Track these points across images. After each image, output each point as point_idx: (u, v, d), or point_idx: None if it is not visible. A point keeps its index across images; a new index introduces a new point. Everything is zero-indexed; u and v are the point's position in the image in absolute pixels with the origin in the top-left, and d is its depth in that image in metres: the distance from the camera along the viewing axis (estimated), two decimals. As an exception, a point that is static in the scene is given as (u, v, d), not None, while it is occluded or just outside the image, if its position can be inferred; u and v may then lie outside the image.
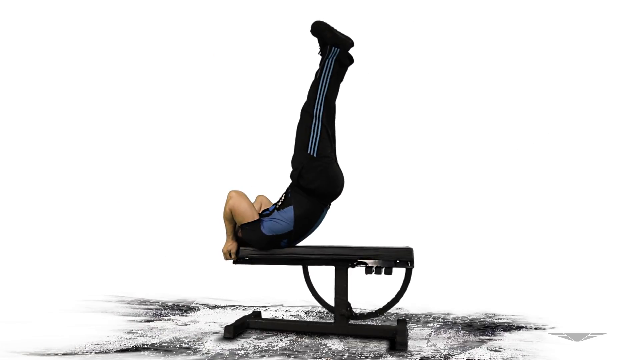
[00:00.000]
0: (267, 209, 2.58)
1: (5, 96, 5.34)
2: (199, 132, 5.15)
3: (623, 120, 4.67)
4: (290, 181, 2.56)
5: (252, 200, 2.66)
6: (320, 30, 2.57)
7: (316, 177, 2.44)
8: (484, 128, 4.83)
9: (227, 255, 2.60)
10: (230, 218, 2.52)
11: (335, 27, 2.58)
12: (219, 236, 2.78)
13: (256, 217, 2.51)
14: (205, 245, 3.36)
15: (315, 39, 2.63)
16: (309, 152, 2.45)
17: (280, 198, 2.57)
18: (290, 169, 2.55)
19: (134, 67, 5.30)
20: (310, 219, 2.50)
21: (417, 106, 4.89)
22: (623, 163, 4.61)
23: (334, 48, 2.53)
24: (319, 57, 2.60)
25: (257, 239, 2.50)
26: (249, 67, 5.15)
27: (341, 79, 2.58)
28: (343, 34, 2.57)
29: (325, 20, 2.59)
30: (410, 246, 2.49)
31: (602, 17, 4.73)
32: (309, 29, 2.62)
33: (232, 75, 5.18)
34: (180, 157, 5.14)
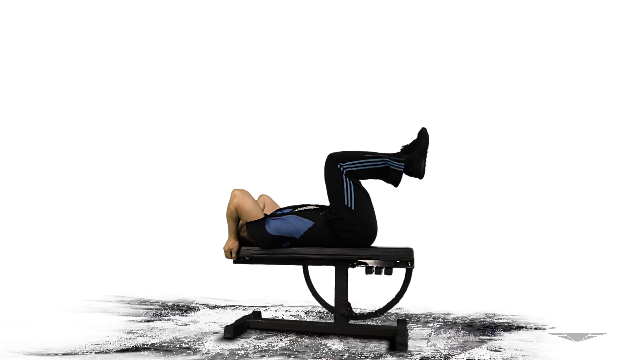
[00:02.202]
0: (282, 209, 2.58)
1: (6, 96, 5.34)
2: (199, 132, 5.14)
3: (623, 120, 4.67)
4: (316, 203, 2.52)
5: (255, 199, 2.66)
6: (420, 143, 2.47)
7: (353, 230, 2.41)
8: (484, 128, 4.83)
9: (228, 253, 2.60)
10: (235, 217, 2.51)
11: (426, 154, 2.47)
12: (219, 236, 2.78)
13: (261, 215, 2.51)
14: (205, 245, 3.36)
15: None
16: (347, 204, 2.39)
17: (305, 205, 2.57)
18: (329, 208, 2.47)
19: (134, 67, 5.30)
20: (320, 244, 2.50)
21: (417, 106, 4.88)
22: (623, 163, 4.61)
23: (402, 164, 2.42)
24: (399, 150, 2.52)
25: (262, 237, 2.50)
26: (250, 66, 5.16)
27: (374, 178, 2.47)
28: (425, 165, 2.46)
29: (429, 140, 2.49)
30: (410, 246, 2.49)
31: (602, 17, 4.73)
32: (420, 129, 2.52)
33: (234, 75, 5.18)
34: (181, 157, 5.14)
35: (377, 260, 2.45)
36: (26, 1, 5.35)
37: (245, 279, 3.78)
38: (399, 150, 2.51)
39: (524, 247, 4.36)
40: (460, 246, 4.35)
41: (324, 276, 2.80)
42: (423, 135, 2.50)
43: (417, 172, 2.45)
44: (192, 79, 5.23)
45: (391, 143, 5.04)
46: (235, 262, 2.65)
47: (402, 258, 2.43)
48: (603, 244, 4.30)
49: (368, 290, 3.18)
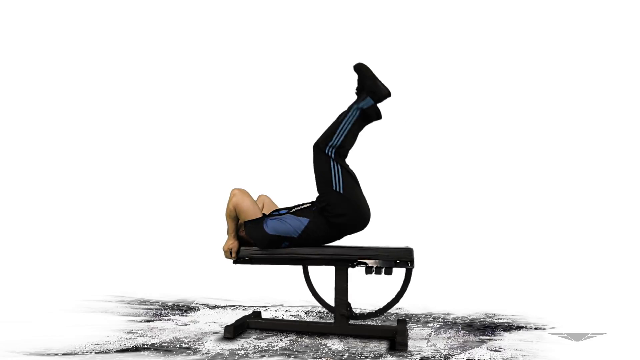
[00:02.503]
0: (279, 210, 2.58)
1: (6, 96, 5.34)
2: (199, 132, 5.14)
3: (623, 120, 4.67)
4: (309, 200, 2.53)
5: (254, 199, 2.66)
6: (362, 73, 2.52)
7: (343, 213, 2.42)
8: (484, 128, 4.83)
9: (228, 253, 2.60)
10: (234, 216, 2.52)
11: (377, 75, 2.52)
12: (219, 236, 2.78)
13: (259, 215, 2.51)
14: (205, 245, 3.36)
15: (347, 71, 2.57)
16: (335, 188, 2.41)
17: (301, 205, 2.57)
18: (317, 198, 2.50)
19: (135, 67, 5.30)
20: (319, 240, 2.51)
21: (417, 106, 4.88)
22: (623, 163, 4.61)
23: (368, 98, 2.47)
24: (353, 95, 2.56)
25: (260, 237, 2.50)
26: (250, 66, 5.16)
27: (360, 130, 2.53)
28: (383, 85, 2.51)
29: (368, 66, 2.53)
30: (410, 246, 2.49)
31: (602, 17, 4.73)
32: (353, 65, 2.55)
33: (234, 75, 5.18)
34: (181, 157, 5.14)
35: (377, 260, 2.45)
36: (26, 1, 5.35)
37: (245, 279, 3.78)
38: (358, 97, 2.54)
39: (524, 247, 4.36)
40: (460, 246, 4.35)
41: (324, 276, 2.80)
42: (358, 69, 2.54)
43: (382, 92, 2.49)
44: (192, 79, 5.23)
45: (391, 143, 5.05)
46: (235, 262, 2.65)
47: (402, 258, 2.43)
48: (603, 244, 4.30)
49: (368, 290, 3.18)
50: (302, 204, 2.59)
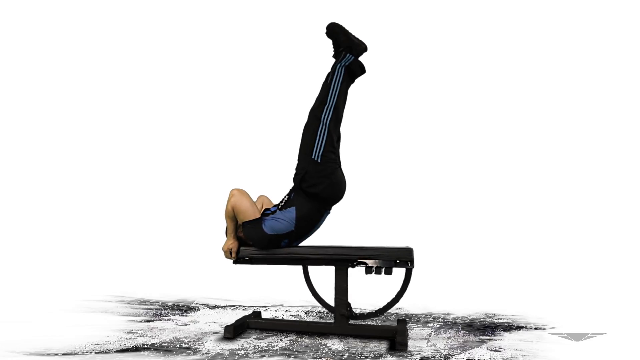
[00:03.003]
0: (269, 209, 2.59)
1: (6, 96, 5.34)
2: (199, 132, 5.14)
3: (623, 120, 4.67)
4: (293, 183, 2.57)
5: (254, 200, 2.66)
6: (335, 32, 2.58)
7: (319, 182, 2.45)
8: (484, 128, 4.83)
9: (228, 253, 2.60)
10: (232, 216, 2.52)
11: (350, 31, 2.58)
12: (219, 236, 2.78)
13: (258, 216, 2.51)
14: (205, 245, 3.36)
15: (330, 41, 2.62)
16: (313, 157, 2.46)
17: (283, 199, 2.59)
18: (294, 172, 2.55)
19: (134, 67, 5.30)
20: (311, 221, 2.51)
21: (417, 106, 4.89)
22: (623, 163, 4.61)
23: (348, 55, 2.53)
24: (332, 60, 2.59)
25: (259, 237, 2.50)
26: (250, 66, 5.16)
27: (348, 87, 2.59)
28: (357, 38, 2.57)
29: (340, 23, 2.59)
30: (410, 246, 2.49)
31: (602, 17, 4.73)
32: (324, 30, 2.62)
33: (233, 75, 5.18)
34: (181, 157, 5.14)
35: (377, 260, 2.45)
36: (26, 1, 5.35)
37: (245, 279, 3.78)
38: (337, 57, 2.58)
39: (524, 247, 4.36)
40: (460, 246, 4.35)
41: (324, 276, 2.80)
42: (332, 29, 2.60)
43: (360, 47, 2.56)
44: (191, 80, 5.23)
45: (391, 143, 5.05)
46: (235, 262, 2.65)
47: (402, 258, 2.43)
48: (603, 244, 4.30)
49: (368, 290, 3.18)
50: (284, 198, 2.60)
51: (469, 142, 4.84)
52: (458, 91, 4.90)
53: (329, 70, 2.56)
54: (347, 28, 2.59)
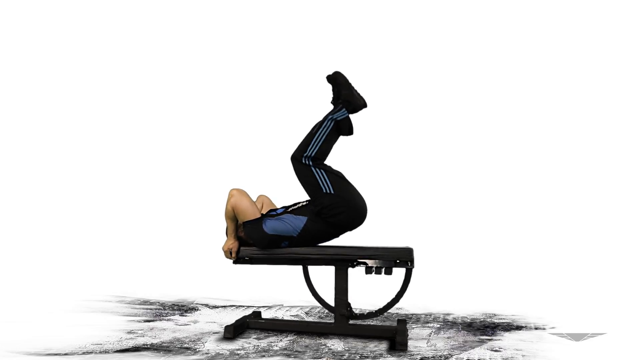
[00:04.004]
0: (276, 209, 2.58)
1: (6, 96, 5.33)
2: (199, 132, 5.14)
3: (623, 120, 4.67)
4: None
5: (253, 200, 2.66)
6: (338, 83, 2.52)
7: (338, 212, 2.41)
8: (484, 128, 4.83)
9: (228, 254, 2.60)
10: (232, 216, 2.51)
11: (352, 84, 2.52)
12: (219, 236, 2.78)
13: (258, 215, 2.51)
14: (205, 245, 3.36)
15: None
16: (325, 191, 2.41)
17: (297, 203, 2.57)
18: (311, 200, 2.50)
19: (134, 67, 5.30)
20: (318, 239, 2.51)
21: (417, 106, 4.88)
22: (623, 163, 4.61)
23: (343, 110, 2.48)
24: (330, 104, 2.57)
25: (259, 237, 2.50)
26: (249, 67, 5.15)
27: (335, 140, 2.53)
28: (358, 94, 2.51)
29: (344, 74, 2.54)
30: (410, 246, 2.49)
31: (602, 17, 4.73)
32: (327, 76, 2.56)
33: (233, 75, 5.18)
34: (181, 157, 5.14)
35: (377, 260, 2.45)
36: (26, 1, 5.35)
37: (245, 279, 3.78)
38: (334, 107, 2.54)
39: (523, 247, 4.36)
40: (460, 246, 4.35)
41: (324, 276, 2.80)
42: (335, 77, 2.54)
43: (358, 103, 2.51)
44: (191, 80, 5.23)
45: (391, 143, 5.05)
46: (235, 262, 2.65)
47: (402, 258, 2.42)
48: (603, 244, 4.30)
49: (368, 290, 3.18)
50: (299, 202, 2.59)
51: (469, 142, 4.84)
52: (458, 91, 4.90)
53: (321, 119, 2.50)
54: (350, 81, 2.52)
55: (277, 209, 2.60)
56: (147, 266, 4.43)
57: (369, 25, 5.02)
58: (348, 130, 2.52)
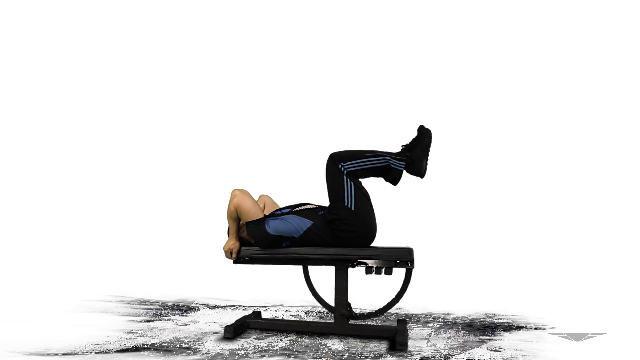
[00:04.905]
0: (281, 209, 2.58)
1: (6, 96, 5.34)
2: (199, 132, 5.14)
3: (623, 120, 4.67)
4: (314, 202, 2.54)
5: (255, 200, 2.66)
6: (422, 141, 2.46)
7: (351, 230, 2.41)
8: (484, 128, 4.83)
9: (228, 254, 2.60)
10: (235, 216, 2.51)
11: (429, 153, 2.48)
12: (219, 236, 2.78)
13: (260, 215, 2.51)
14: (205, 245, 3.36)
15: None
16: (347, 205, 2.39)
17: (304, 204, 2.57)
18: (329, 204, 2.48)
19: (134, 67, 5.30)
20: (319, 243, 2.50)
21: (417, 106, 4.88)
22: (623, 163, 4.61)
23: (403, 163, 2.42)
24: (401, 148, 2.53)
25: (261, 237, 2.50)
26: (251, 66, 5.16)
27: (375, 175, 2.48)
28: (426, 164, 2.47)
29: (431, 138, 2.48)
30: (410, 246, 2.49)
31: (602, 17, 4.73)
32: (421, 125, 2.50)
33: (234, 75, 5.18)
34: (181, 157, 5.14)
35: (377, 260, 2.45)
36: (26, 1, 5.35)
37: (245, 279, 3.78)
38: (400, 149, 2.50)
39: (523, 247, 4.36)
40: (460, 246, 4.35)
41: (324, 276, 2.80)
42: (425, 133, 2.49)
43: (419, 170, 2.45)
44: (192, 79, 5.23)
45: (391, 142, 5.04)
46: (235, 262, 2.65)
47: (402, 258, 2.42)
48: (603, 244, 4.30)
49: (368, 290, 3.18)
50: (306, 204, 2.58)
51: (469, 142, 4.84)
52: (458, 91, 4.90)
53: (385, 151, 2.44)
54: (429, 149, 2.47)
55: (282, 208, 2.60)
56: (147, 266, 4.43)
57: (369, 25, 5.02)
58: (393, 180, 2.46)
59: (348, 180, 2.39)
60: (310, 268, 2.73)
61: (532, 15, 4.87)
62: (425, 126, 2.51)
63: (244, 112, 5.09)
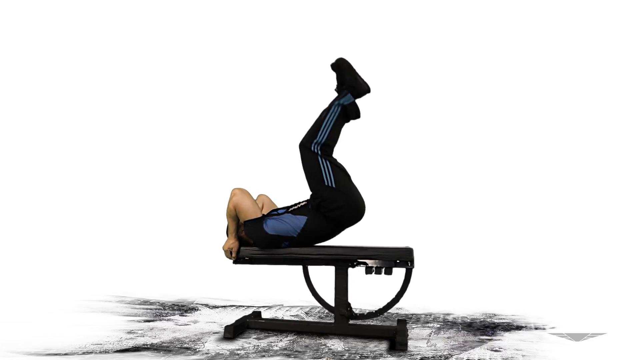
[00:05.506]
0: (278, 210, 2.58)
1: (6, 96, 5.34)
2: (199, 132, 5.15)
3: (623, 120, 4.67)
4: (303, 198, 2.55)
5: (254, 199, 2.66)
6: (342, 69, 2.54)
7: (337, 206, 2.42)
8: (484, 128, 4.83)
9: (228, 253, 2.60)
10: (234, 216, 2.52)
11: (356, 70, 2.54)
12: (219, 236, 2.78)
13: (259, 215, 2.51)
14: (205, 245, 3.36)
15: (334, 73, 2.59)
16: (327, 184, 2.42)
17: (298, 203, 2.58)
18: (310, 194, 2.52)
19: (134, 67, 5.30)
20: (318, 237, 2.51)
21: (417, 105, 4.89)
22: (623, 163, 4.61)
23: (348, 95, 2.50)
24: (334, 93, 2.58)
25: (259, 236, 2.50)
26: (249, 66, 5.16)
27: (342, 126, 2.55)
28: (362, 79, 2.54)
29: (348, 60, 2.55)
30: (410, 246, 2.49)
31: (602, 17, 4.73)
32: (331, 64, 2.57)
33: (233, 75, 5.18)
34: (181, 157, 5.14)
35: (377, 260, 2.45)
36: (26, 1, 5.35)
37: (245, 279, 3.78)
38: (338, 93, 2.56)
39: (523, 247, 4.36)
40: (460, 246, 4.35)
41: (324, 276, 2.80)
42: (339, 64, 2.56)
43: (362, 87, 2.54)
44: (192, 79, 5.23)
45: (391, 143, 5.04)
46: (235, 262, 2.65)
47: (402, 258, 2.43)
48: (603, 244, 4.30)
49: (368, 290, 3.18)
50: (299, 203, 2.59)
51: (469, 142, 4.84)
52: (458, 91, 4.90)
53: (328, 105, 2.53)
54: (353, 66, 2.55)
55: (278, 209, 2.60)
56: (147, 266, 4.43)
57: (368, 25, 5.02)
58: (355, 114, 2.54)
59: (323, 160, 2.44)
60: (310, 268, 2.73)
61: (531, 15, 4.87)
62: (333, 61, 2.56)
63: (244, 112, 5.09)
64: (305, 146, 2.47)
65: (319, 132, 2.46)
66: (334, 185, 2.42)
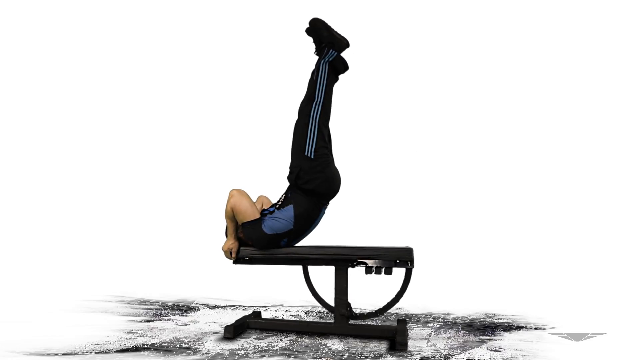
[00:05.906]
0: (268, 209, 2.59)
1: (6, 96, 5.34)
2: (199, 132, 5.15)
3: (623, 120, 4.67)
4: (288, 182, 2.57)
5: (253, 200, 2.66)
6: (317, 28, 2.58)
7: (314, 177, 2.46)
8: (484, 128, 4.83)
9: (228, 254, 2.60)
10: (232, 216, 2.52)
11: (332, 27, 2.59)
12: (219, 236, 2.78)
13: (257, 216, 2.51)
14: (205, 245, 3.36)
15: (311, 39, 2.63)
16: (306, 154, 2.47)
17: (281, 198, 2.59)
18: (289, 171, 2.57)
19: (134, 68, 5.30)
20: (310, 217, 2.52)
21: (417, 105, 4.89)
22: (623, 163, 4.61)
23: (330, 51, 2.55)
24: (315, 57, 2.61)
25: (258, 237, 2.50)
26: (248, 66, 5.15)
27: (334, 84, 2.60)
28: (339, 34, 2.59)
29: (321, 18, 2.60)
30: (410, 246, 2.49)
31: (602, 17, 4.73)
32: (306, 27, 2.62)
33: (232, 75, 5.18)
34: (181, 157, 5.14)
35: (377, 260, 2.45)
36: (26, 1, 5.35)
37: (245, 279, 3.78)
38: (320, 53, 2.59)
39: (523, 247, 4.36)
40: (460, 246, 4.35)
41: (324, 276, 2.80)
42: (312, 25, 2.60)
43: (341, 42, 2.58)
44: (191, 79, 5.23)
45: (391, 142, 5.04)
46: (234, 262, 2.65)
47: (402, 258, 2.43)
48: (603, 243, 4.30)
49: (368, 290, 3.18)
50: (281, 197, 2.60)
51: (469, 141, 4.84)
52: (458, 91, 4.90)
53: (313, 67, 2.57)
54: (328, 24, 2.60)
55: (268, 208, 2.60)
56: (147, 266, 4.43)
57: (369, 25, 5.01)
58: (344, 66, 2.59)
59: (313, 130, 2.49)
60: (310, 268, 2.73)
61: (532, 15, 4.87)
62: (308, 24, 2.61)
63: (243, 112, 5.09)
64: (303, 111, 2.53)
65: (316, 92, 2.51)
66: (312, 156, 2.46)
